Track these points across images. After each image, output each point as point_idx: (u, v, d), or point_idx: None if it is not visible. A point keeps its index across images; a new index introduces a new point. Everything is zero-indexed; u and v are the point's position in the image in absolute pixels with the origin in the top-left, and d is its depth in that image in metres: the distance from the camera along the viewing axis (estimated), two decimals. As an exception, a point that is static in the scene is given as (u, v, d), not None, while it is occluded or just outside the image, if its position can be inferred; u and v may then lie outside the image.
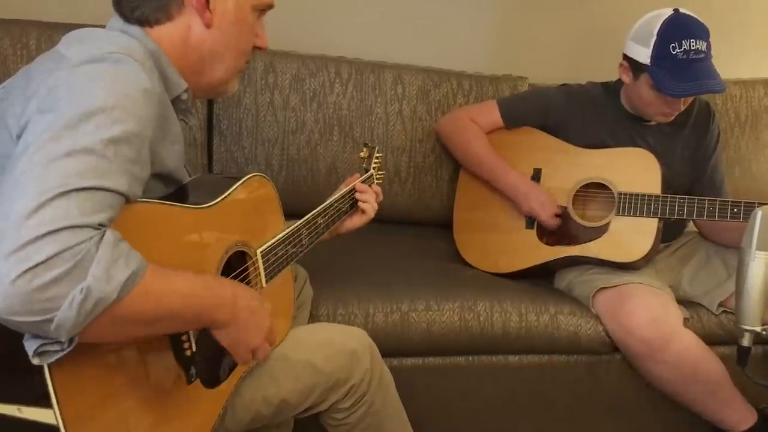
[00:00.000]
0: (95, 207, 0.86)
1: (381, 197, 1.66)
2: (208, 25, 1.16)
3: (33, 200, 0.83)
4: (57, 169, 0.86)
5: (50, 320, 0.81)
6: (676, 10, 1.88)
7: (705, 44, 1.85)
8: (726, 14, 2.54)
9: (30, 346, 0.84)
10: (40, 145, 0.88)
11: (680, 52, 1.82)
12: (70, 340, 0.84)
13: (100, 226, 0.86)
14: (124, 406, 0.97)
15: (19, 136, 0.94)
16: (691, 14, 1.89)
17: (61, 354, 0.84)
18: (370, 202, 1.60)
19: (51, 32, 1.92)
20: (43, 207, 0.83)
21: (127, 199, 0.93)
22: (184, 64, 1.16)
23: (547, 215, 1.96)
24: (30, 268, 0.80)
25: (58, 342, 0.84)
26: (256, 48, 1.25)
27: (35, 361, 0.84)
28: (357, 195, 1.60)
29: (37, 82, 0.99)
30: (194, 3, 1.14)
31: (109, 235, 0.86)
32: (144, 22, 1.13)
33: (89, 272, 0.83)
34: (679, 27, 1.85)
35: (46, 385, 0.85)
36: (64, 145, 0.88)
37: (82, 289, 0.82)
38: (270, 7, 1.24)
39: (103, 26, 1.16)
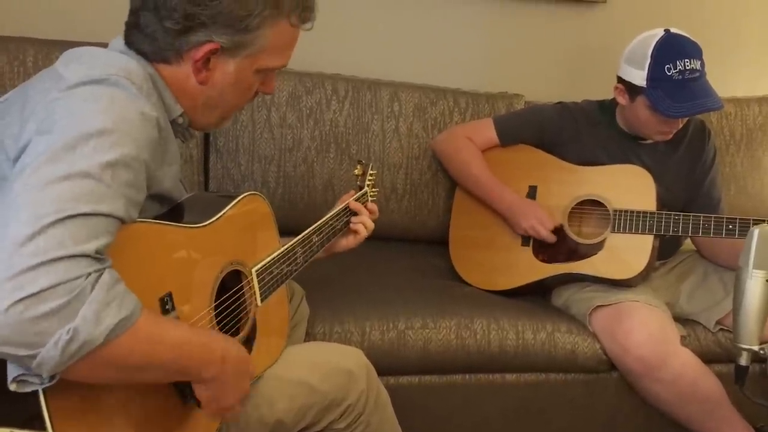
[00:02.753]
0: (91, 234, 0.85)
1: (377, 215, 1.65)
2: (202, 83, 1.13)
3: (28, 227, 0.82)
4: (52, 193, 0.85)
5: (33, 356, 0.80)
6: (667, 31, 1.89)
7: (699, 63, 1.86)
8: (720, 33, 2.56)
9: (11, 371, 0.83)
10: (36, 167, 0.88)
11: (676, 72, 1.83)
12: (51, 377, 0.83)
13: (97, 254, 0.85)
14: (118, 426, 0.96)
15: (16, 159, 0.93)
16: (683, 33, 1.90)
17: (38, 387, 0.83)
18: (363, 222, 1.58)
19: (48, 49, 1.92)
20: (38, 235, 0.82)
21: (124, 223, 0.92)
22: (179, 101, 1.14)
23: (546, 231, 1.95)
24: (23, 299, 0.79)
25: (39, 375, 0.83)
26: (261, 93, 1.23)
27: (12, 387, 0.83)
28: (352, 219, 1.58)
29: (34, 102, 0.99)
30: (193, 60, 1.10)
31: (107, 275, 0.85)
32: (143, 55, 1.11)
33: (79, 313, 0.81)
34: (673, 47, 1.86)
35: (39, 408, 0.84)
36: (60, 168, 0.87)
37: (69, 329, 0.81)
38: (281, 67, 1.20)
39: (100, 44, 1.15)
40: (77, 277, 0.82)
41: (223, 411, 1.10)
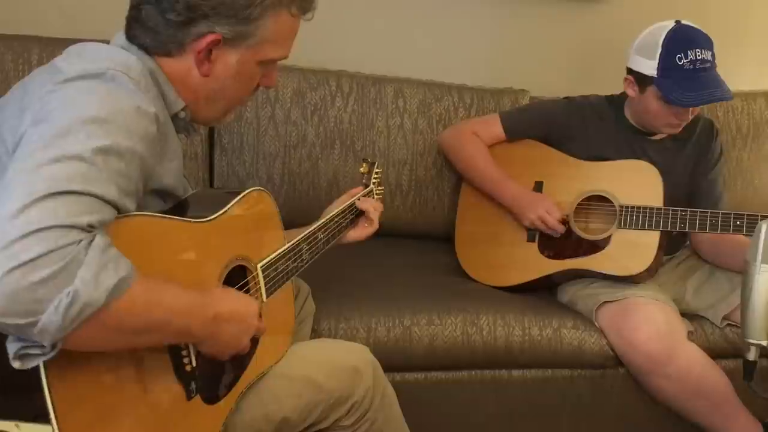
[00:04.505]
0: (83, 210, 0.86)
1: (382, 209, 1.65)
2: (205, 75, 1.13)
3: (19, 201, 0.82)
4: (45, 174, 0.86)
5: (34, 323, 0.80)
6: (678, 22, 1.88)
7: (710, 53, 1.85)
8: (726, 27, 2.54)
9: (11, 348, 0.83)
10: (29, 152, 0.88)
11: (687, 62, 1.82)
12: (53, 345, 0.83)
13: (90, 227, 0.85)
14: (123, 422, 0.96)
15: (14, 151, 0.94)
16: (694, 25, 1.89)
17: (42, 359, 0.83)
18: (370, 211, 1.59)
19: (53, 47, 1.93)
20: (29, 207, 0.82)
21: (118, 210, 0.92)
22: (181, 95, 1.15)
23: (554, 220, 1.94)
24: (17, 266, 0.79)
25: (40, 346, 0.82)
26: (262, 86, 1.23)
27: (15, 365, 0.83)
28: (359, 204, 1.59)
29: (32, 95, 0.99)
30: (195, 52, 1.11)
31: (99, 239, 0.85)
32: (145, 49, 1.12)
33: (77, 276, 0.81)
34: (684, 38, 1.86)
35: (44, 401, 0.84)
36: (52, 152, 0.88)
37: (69, 292, 0.81)
38: (282, 58, 1.20)
39: (104, 42, 1.15)
40: (69, 244, 0.82)
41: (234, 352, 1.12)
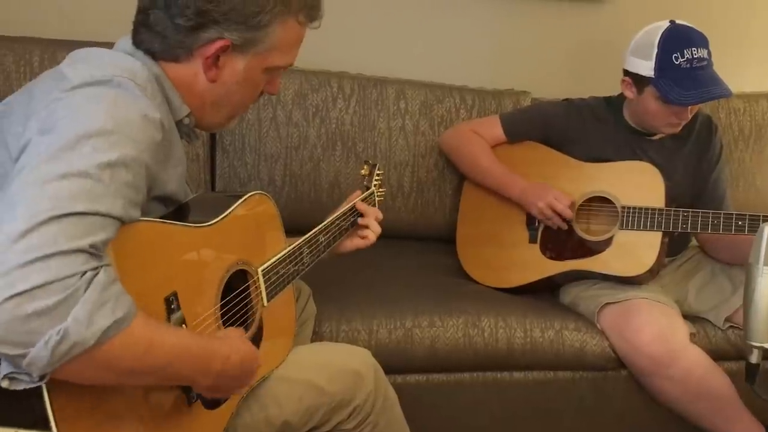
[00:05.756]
0: (86, 231, 0.84)
1: (380, 216, 1.63)
2: (212, 81, 1.13)
3: (22, 223, 0.81)
4: (49, 191, 0.85)
5: (23, 356, 0.79)
6: (672, 22, 1.88)
7: (706, 51, 1.85)
8: (729, 28, 2.54)
9: (2, 369, 0.82)
10: (34, 165, 0.87)
11: (683, 61, 1.82)
12: (41, 377, 0.82)
13: (93, 248, 0.84)
14: (123, 428, 0.96)
15: (18, 158, 0.93)
16: (688, 24, 1.89)
17: (28, 386, 0.82)
18: (371, 226, 1.57)
19: (54, 49, 1.92)
20: (31, 231, 0.81)
21: (123, 223, 0.92)
22: (186, 100, 1.14)
23: (563, 206, 1.93)
24: (14, 295, 0.78)
25: (29, 374, 0.82)
26: (265, 93, 1.23)
27: (4, 384, 0.82)
28: (360, 220, 1.57)
29: (37, 101, 0.98)
30: (203, 57, 1.11)
31: (103, 274, 0.84)
32: (151, 54, 1.11)
33: (71, 313, 0.80)
34: (679, 37, 1.85)
35: (44, 409, 0.84)
36: (58, 167, 0.87)
37: (60, 330, 0.79)
38: (288, 66, 1.20)
39: (107, 44, 1.15)
40: (71, 275, 0.81)
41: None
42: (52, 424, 0.84)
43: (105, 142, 0.92)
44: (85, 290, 0.81)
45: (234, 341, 1.08)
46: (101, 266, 0.85)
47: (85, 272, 0.82)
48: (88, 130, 0.91)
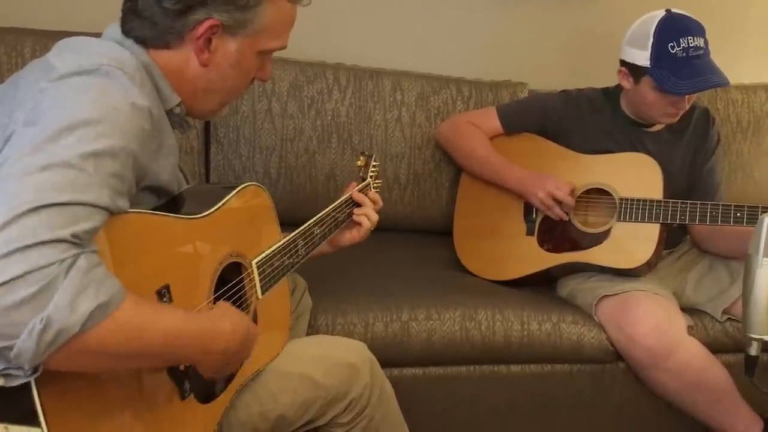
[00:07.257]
0: (68, 221, 0.83)
1: (380, 204, 1.63)
2: (204, 65, 1.12)
3: (2, 216, 0.80)
4: (31, 183, 0.83)
5: (10, 348, 0.78)
6: (668, 11, 1.87)
7: (702, 40, 1.84)
8: (726, 19, 2.53)
9: None
10: (17, 158, 0.86)
11: (679, 50, 1.81)
12: (34, 369, 0.81)
13: (75, 238, 0.83)
14: (115, 423, 0.95)
15: (1, 150, 0.91)
16: (684, 12, 1.87)
17: (24, 380, 0.81)
18: (367, 214, 1.56)
19: (46, 40, 1.91)
20: (11, 223, 0.80)
21: (111, 213, 0.90)
22: (177, 88, 1.13)
23: (564, 194, 1.92)
24: None
25: (21, 368, 0.81)
26: (257, 79, 1.22)
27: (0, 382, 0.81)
28: (355, 210, 1.57)
29: (23, 92, 0.97)
30: (194, 40, 1.10)
31: (83, 260, 0.82)
32: (141, 42, 1.10)
33: (52, 300, 0.79)
34: (675, 26, 1.84)
35: (33, 403, 0.82)
36: (41, 158, 0.85)
37: (42, 318, 0.78)
38: (280, 48, 1.20)
39: (99, 34, 1.14)
40: (49, 264, 0.79)
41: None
42: (41, 418, 0.83)
43: (91, 133, 0.90)
44: (65, 276, 0.80)
45: (233, 317, 1.06)
46: (82, 252, 0.83)
47: (65, 259, 0.81)
48: (73, 121, 0.90)
